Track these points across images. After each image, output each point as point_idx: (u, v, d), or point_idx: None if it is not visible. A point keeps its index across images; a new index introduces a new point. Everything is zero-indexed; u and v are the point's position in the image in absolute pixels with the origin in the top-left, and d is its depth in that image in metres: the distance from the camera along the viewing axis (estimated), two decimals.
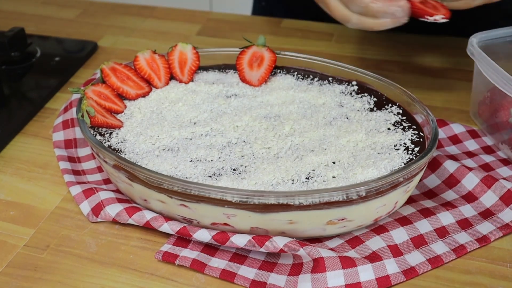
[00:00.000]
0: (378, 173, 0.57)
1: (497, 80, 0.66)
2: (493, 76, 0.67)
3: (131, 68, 0.71)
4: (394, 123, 0.65)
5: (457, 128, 0.74)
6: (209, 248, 0.58)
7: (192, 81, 0.73)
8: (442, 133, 0.73)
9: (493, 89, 0.70)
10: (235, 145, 0.62)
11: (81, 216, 0.63)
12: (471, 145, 0.72)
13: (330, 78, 0.73)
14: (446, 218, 0.60)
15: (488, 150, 0.71)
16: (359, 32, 0.99)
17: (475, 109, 0.76)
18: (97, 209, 0.61)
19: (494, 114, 0.71)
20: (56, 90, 0.84)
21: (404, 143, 0.62)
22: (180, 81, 0.73)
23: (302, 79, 0.73)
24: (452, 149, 0.71)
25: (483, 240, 0.59)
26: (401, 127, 0.64)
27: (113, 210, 0.60)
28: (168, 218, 0.59)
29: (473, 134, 0.73)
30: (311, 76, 0.74)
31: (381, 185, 0.54)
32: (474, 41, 0.72)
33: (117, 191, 0.64)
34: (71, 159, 0.69)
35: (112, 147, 0.62)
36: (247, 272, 0.56)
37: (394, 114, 0.67)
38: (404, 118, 0.66)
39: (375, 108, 0.68)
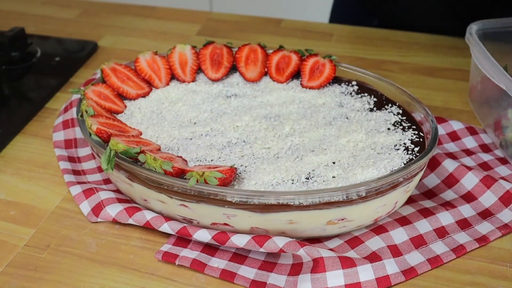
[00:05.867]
0: (378, 173, 0.57)
1: (486, 69, 0.68)
2: (484, 64, 0.69)
3: (131, 69, 0.71)
4: (394, 123, 0.65)
5: (456, 125, 0.74)
6: (209, 248, 0.58)
7: (193, 80, 0.73)
8: (441, 130, 0.73)
9: (484, 77, 0.71)
10: (235, 145, 0.62)
11: (81, 216, 0.63)
12: (470, 142, 0.72)
13: None
14: (445, 218, 0.60)
15: (486, 148, 0.72)
16: (359, 32, 0.99)
17: (470, 92, 0.78)
18: (97, 209, 0.61)
19: (483, 99, 0.72)
20: (56, 90, 0.84)
21: (404, 143, 0.62)
22: (183, 81, 0.73)
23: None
24: (451, 147, 0.71)
25: (483, 240, 0.59)
26: (401, 127, 0.64)
27: (113, 210, 0.61)
28: (168, 218, 0.59)
29: (472, 131, 0.73)
30: None
31: (381, 185, 0.55)
32: (474, 28, 0.74)
33: (117, 191, 0.64)
34: (71, 159, 0.70)
35: None
36: (247, 272, 0.56)
37: (394, 114, 0.67)
38: (404, 118, 0.66)
39: (375, 108, 0.68)
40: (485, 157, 0.69)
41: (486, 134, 0.73)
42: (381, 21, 1.03)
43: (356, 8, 1.06)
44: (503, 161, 0.69)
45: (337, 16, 1.13)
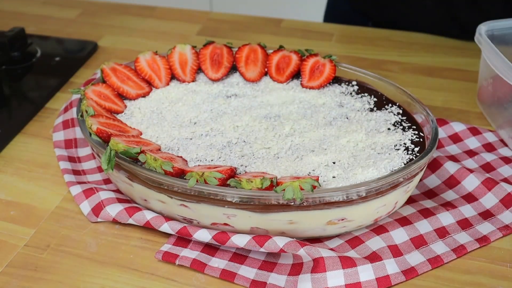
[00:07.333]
0: (378, 173, 0.57)
1: (499, 69, 0.68)
2: (497, 64, 0.69)
3: (131, 69, 0.71)
4: (394, 123, 0.65)
5: (458, 127, 0.74)
6: (209, 248, 0.58)
7: (194, 80, 0.73)
8: (442, 132, 0.73)
9: (496, 77, 0.71)
10: (235, 145, 0.62)
11: (81, 216, 0.63)
12: (472, 143, 0.72)
13: None
14: (446, 218, 0.60)
15: (489, 147, 0.71)
16: (359, 32, 0.99)
17: (479, 94, 0.77)
18: (97, 209, 0.61)
19: (495, 100, 0.72)
20: (56, 90, 0.84)
21: (404, 143, 0.62)
22: (183, 81, 0.73)
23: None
24: (453, 149, 0.71)
25: (483, 240, 0.58)
26: (401, 127, 0.64)
27: (113, 210, 0.60)
28: (168, 218, 0.59)
29: (474, 132, 0.73)
30: None
31: (381, 185, 0.55)
32: (483, 29, 0.74)
33: (117, 191, 0.64)
34: (71, 159, 0.69)
35: None
36: (247, 272, 0.56)
37: (394, 114, 0.67)
38: (404, 118, 0.66)
39: (375, 108, 0.68)
40: (488, 157, 0.69)
41: (490, 132, 0.73)
42: (376, 24, 1.03)
43: (350, 11, 1.07)
44: (507, 160, 0.68)
45: (330, 18, 1.13)
